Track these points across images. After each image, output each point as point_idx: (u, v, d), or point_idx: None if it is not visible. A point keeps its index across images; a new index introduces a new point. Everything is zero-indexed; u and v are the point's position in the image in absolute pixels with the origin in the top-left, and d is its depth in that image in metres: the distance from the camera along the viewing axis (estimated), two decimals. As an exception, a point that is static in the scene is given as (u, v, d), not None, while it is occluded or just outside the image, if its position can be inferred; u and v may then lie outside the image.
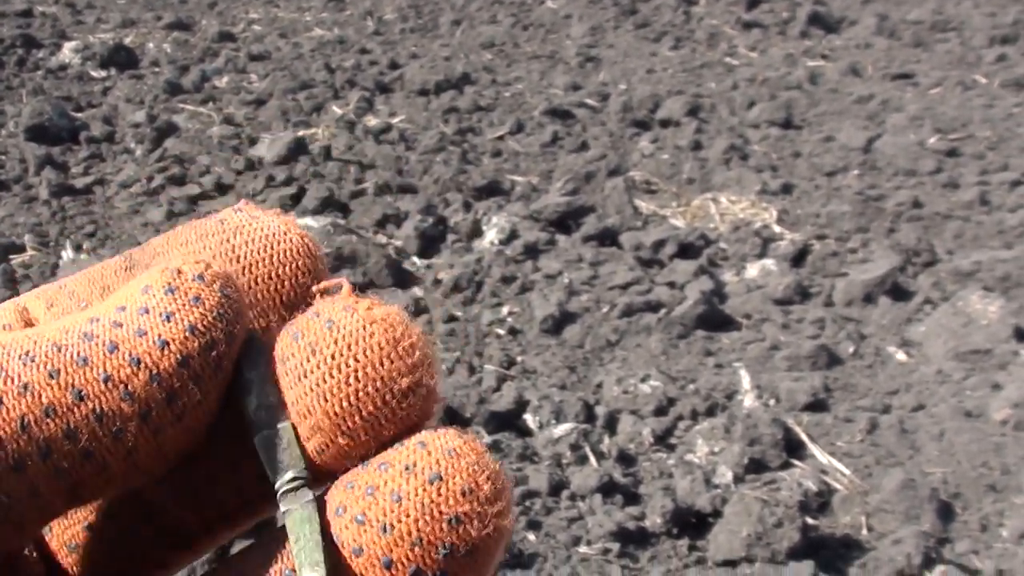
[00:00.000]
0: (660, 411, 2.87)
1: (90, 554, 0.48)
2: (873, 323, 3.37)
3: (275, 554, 0.43)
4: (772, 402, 2.95)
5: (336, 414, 0.42)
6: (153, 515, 0.47)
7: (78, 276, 0.49)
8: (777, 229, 3.89)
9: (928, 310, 3.40)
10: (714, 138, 4.62)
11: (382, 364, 0.42)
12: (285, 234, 0.47)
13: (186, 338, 0.41)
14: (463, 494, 0.41)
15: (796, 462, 2.72)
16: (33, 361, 0.40)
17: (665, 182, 4.27)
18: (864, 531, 2.52)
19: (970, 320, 3.23)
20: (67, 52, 5.14)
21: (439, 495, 0.41)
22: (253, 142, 4.34)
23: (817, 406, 2.94)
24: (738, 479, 2.61)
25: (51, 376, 0.40)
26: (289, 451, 0.43)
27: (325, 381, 0.42)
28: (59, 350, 0.41)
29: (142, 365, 0.41)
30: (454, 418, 2.72)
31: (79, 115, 4.50)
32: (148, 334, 0.41)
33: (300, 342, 0.43)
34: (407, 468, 0.41)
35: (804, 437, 2.81)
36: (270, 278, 0.47)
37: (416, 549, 0.41)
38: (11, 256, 3.39)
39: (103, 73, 5.05)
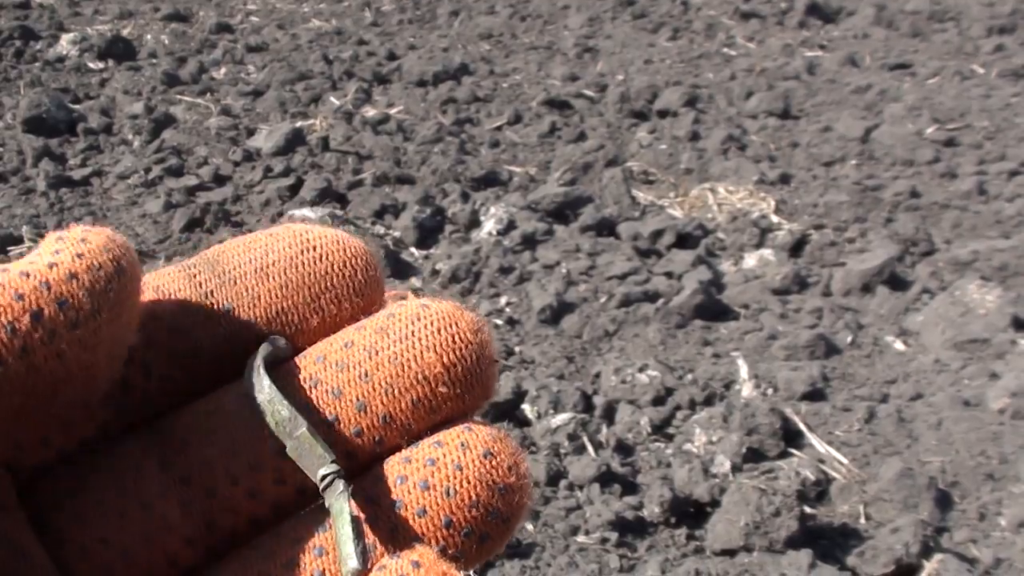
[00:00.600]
0: (658, 401, 2.87)
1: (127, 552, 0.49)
2: (871, 313, 3.37)
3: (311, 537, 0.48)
4: (770, 391, 2.95)
5: (444, 363, 0.49)
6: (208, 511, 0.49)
7: None
8: (775, 219, 3.89)
9: (926, 300, 3.40)
10: (712, 128, 4.61)
11: (476, 334, 0.50)
12: (351, 237, 0.53)
13: (72, 260, 0.44)
14: (509, 468, 0.48)
15: (794, 451, 2.72)
16: None
17: (663, 172, 4.27)
18: (862, 520, 2.53)
19: (968, 309, 3.23)
20: (65, 44, 5.13)
21: (492, 467, 0.48)
22: (251, 133, 4.34)
23: (815, 395, 2.95)
24: (736, 468, 2.61)
25: None
26: (312, 452, 0.47)
27: (434, 336, 0.49)
28: None
29: (31, 276, 0.43)
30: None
31: (77, 107, 4.50)
32: (38, 261, 0.44)
33: (397, 318, 0.50)
34: (462, 445, 0.48)
35: (802, 426, 2.81)
36: (344, 266, 0.52)
37: (473, 511, 0.47)
38: (9, 248, 3.39)
39: (101, 65, 5.05)
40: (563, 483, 2.57)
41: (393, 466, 0.48)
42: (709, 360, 3.09)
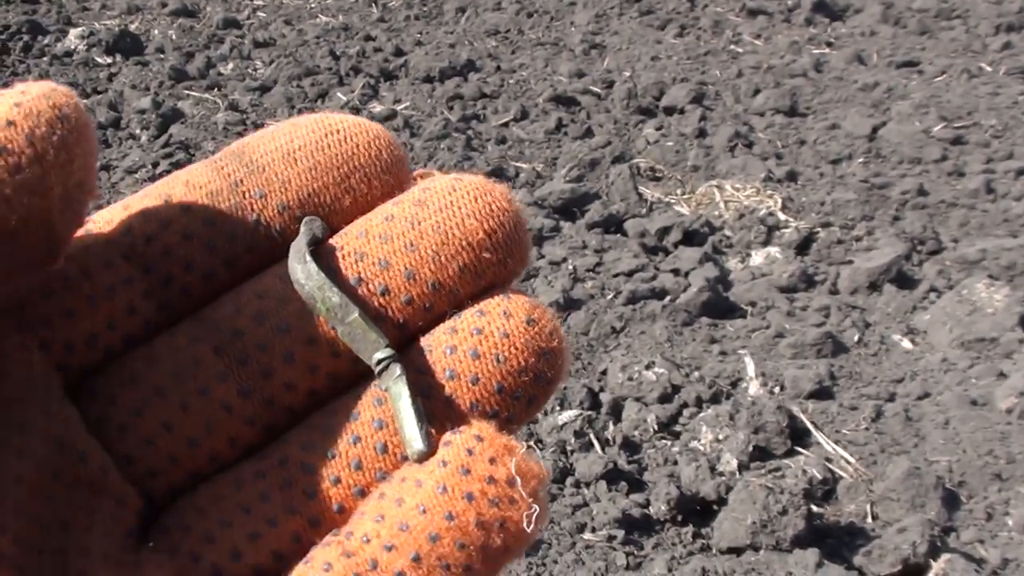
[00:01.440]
0: (665, 398, 2.87)
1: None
2: (878, 311, 3.37)
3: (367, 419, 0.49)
4: (777, 390, 2.95)
5: (486, 230, 0.50)
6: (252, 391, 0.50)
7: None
8: (782, 216, 3.88)
9: (933, 298, 3.39)
10: (719, 125, 4.61)
11: (510, 202, 0.51)
12: (370, 121, 0.53)
13: (9, 109, 0.44)
14: (550, 334, 0.50)
15: (801, 450, 2.72)
16: None
17: (670, 169, 4.26)
18: (869, 519, 2.52)
19: (975, 308, 3.22)
20: (72, 38, 5.13)
21: (537, 334, 0.49)
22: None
23: (822, 394, 2.94)
24: (743, 467, 2.61)
25: None
26: (365, 338, 0.48)
27: (473, 204, 0.50)
28: None
29: None
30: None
31: (84, 101, 4.49)
32: None
33: (433, 190, 0.51)
34: (505, 313, 0.49)
35: (809, 425, 2.81)
36: (369, 146, 0.52)
37: (522, 377, 0.49)
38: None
39: (108, 59, 5.05)
40: (569, 480, 2.57)
41: (440, 337, 0.49)
42: (716, 358, 3.09)
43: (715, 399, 2.88)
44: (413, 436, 0.46)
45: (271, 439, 0.50)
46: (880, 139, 4.53)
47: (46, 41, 5.12)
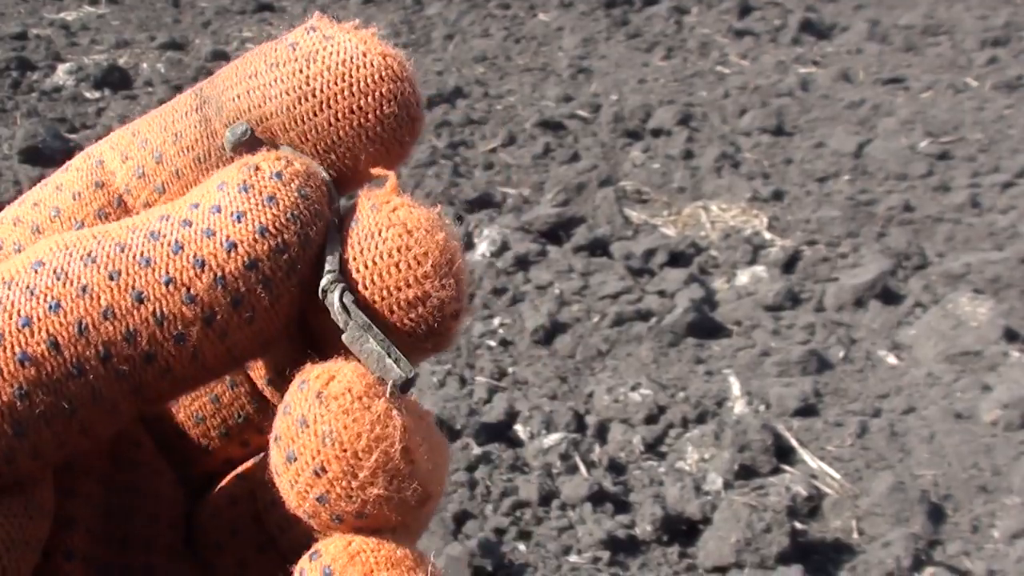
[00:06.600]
0: (650, 419, 2.88)
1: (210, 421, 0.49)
2: (863, 327, 3.38)
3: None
4: (762, 408, 2.96)
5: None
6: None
7: (150, 120, 0.48)
8: (768, 236, 3.90)
9: (918, 313, 3.40)
10: (705, 147, 4.63)
11: (388, 272, 0.41)
12: (364, 56, 0.44)
13: (255, 240, 0.40)
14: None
15: (786, 467, 2.72)
16: (94, 262, 0.39)
17: (656, 191, 4.28)
18: (855, 535, 2.53)
19: (960, 322, 3.23)
20: (61, 74, 5.16)
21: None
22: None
23: (807, 411, 2.95)
24: (728, 485, 2.62)
25: (111, 278, 0.39)
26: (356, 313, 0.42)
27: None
28: (122, 250, 0.39)
29: (206, 267, 0.39)
30: (443, 429, 2.73)
31: (73, 136, 4.52)
32: (216, 235, 0.40)
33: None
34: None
35: (794, 442, 2.81)
36: (352, 112, 0.44)
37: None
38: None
39: (97, 94, 5.07)
40: (555, 503, 2.57)
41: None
42: (701, 378, 3.10)
43: (701, 419, 2.89)
44: (397, 356, 0.41)
45: None
46: (866, 156, 4.55)
47: (35, 77, 5.15)
